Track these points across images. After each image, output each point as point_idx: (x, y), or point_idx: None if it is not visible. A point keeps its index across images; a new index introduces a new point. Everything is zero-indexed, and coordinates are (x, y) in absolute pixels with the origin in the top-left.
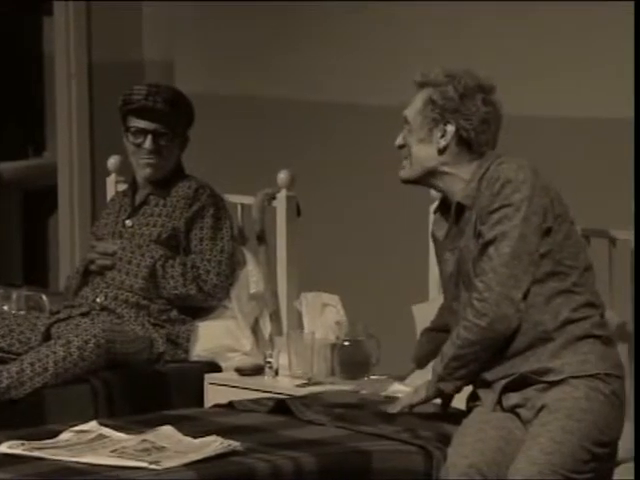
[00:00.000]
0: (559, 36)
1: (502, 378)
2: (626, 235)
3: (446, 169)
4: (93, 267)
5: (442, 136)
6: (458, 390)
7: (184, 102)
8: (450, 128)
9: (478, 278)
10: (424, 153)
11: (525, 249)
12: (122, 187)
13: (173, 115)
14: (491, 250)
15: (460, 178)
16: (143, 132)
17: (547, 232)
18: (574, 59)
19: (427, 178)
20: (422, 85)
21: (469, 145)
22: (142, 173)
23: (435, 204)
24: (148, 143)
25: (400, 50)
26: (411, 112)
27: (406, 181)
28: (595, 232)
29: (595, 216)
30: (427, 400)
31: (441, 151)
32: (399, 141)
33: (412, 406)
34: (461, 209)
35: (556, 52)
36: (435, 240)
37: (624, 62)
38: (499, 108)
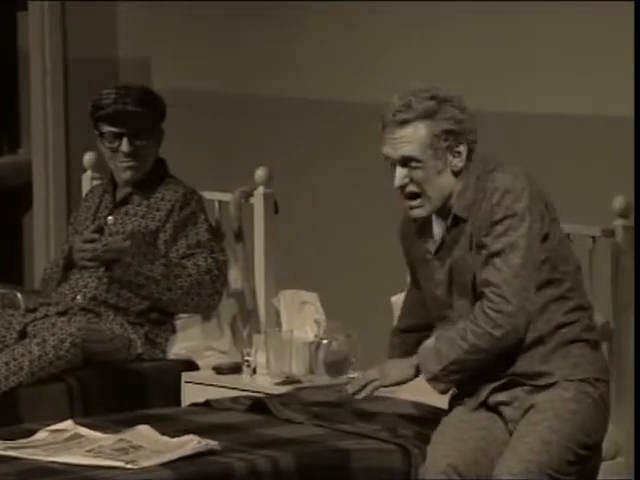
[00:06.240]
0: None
1: (492, 380)
2: (606, 232)
3: (456, 187)
4: (84, 263)
5: (455, 158)
6: (446, 391)
7: (155, 99)
8: (462, 148)
9: (489, 289)
10: (445, 182)
11: (532, 258)
12: (97, 183)
13: (145, 115)
14: (498, 262)
15: (455, 189)
16: (118, 136)
17: (545, 238)
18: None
19: (443, 203)
20: (407, 121)
21: (471, 155)
22: (123, 176)
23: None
24: (125, 146)
25: (381, 47)
26: (417, 150)
27: (422, 217)
28: (575, 229)
29: (575, 214)
30: (398, 383)
31: (458, 173)
32: (402, 182)
33: (382, 386)
34: (455, 219)
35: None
36: (406, 243)
37: (622, 60)
38: None
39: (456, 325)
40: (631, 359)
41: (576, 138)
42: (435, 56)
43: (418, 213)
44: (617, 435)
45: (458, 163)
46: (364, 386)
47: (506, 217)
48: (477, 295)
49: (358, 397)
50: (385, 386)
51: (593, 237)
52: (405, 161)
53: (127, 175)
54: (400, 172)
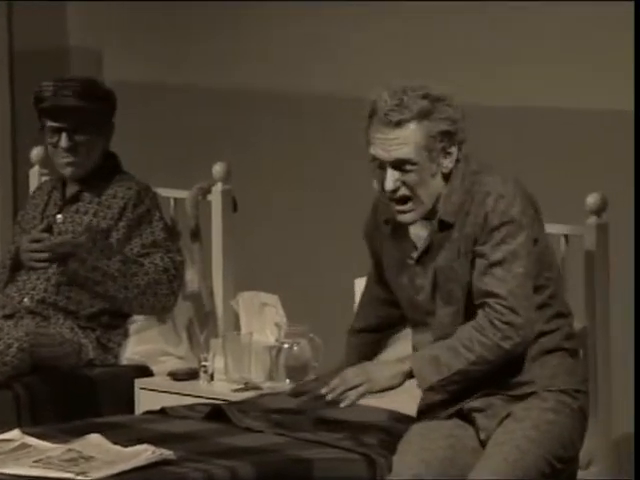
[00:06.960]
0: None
1: (471, 389)
2: (579, 231)
3: (443, 190)
4: (32, 263)
5: (445, 159)
6: (438, 401)
7: (98, 91)
8: (453, 149)
9: (494, 300)
10: (437, 185)
11: (531, 266)
12: (46, 179)
13: (87, 108)
14: (500, 272)
15: (442, 192)
16: (57, 130)
17: (534, 243)
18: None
19: (432, 206)
20: (402, 122)
21: (459, 155)
22: (64, 172)
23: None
24: (63, 141)
25: (344, 38)
26: (412, 152)
27: (412, 222)
28: (547, 229)
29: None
30: (386, 390)
31: (448, 175)
32: (395, 185)
33: (369, 393)
34: (441, 224)
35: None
36: (374, 242)
37: (621, 60)
38: None
39: (457, 334)
40: (624, 361)
41: (547, 134)
42: (401, 50)
43: (408, 218)
44: (591, 443)
45: (449, 164)
46: (344, 392)
47: (503, 224)
48: (478, 305)
49: (342, 405)
50: (372, 393)
51: (566, 236)
52: (398, 164)
53: (67, 171)
54: (392, 175)
